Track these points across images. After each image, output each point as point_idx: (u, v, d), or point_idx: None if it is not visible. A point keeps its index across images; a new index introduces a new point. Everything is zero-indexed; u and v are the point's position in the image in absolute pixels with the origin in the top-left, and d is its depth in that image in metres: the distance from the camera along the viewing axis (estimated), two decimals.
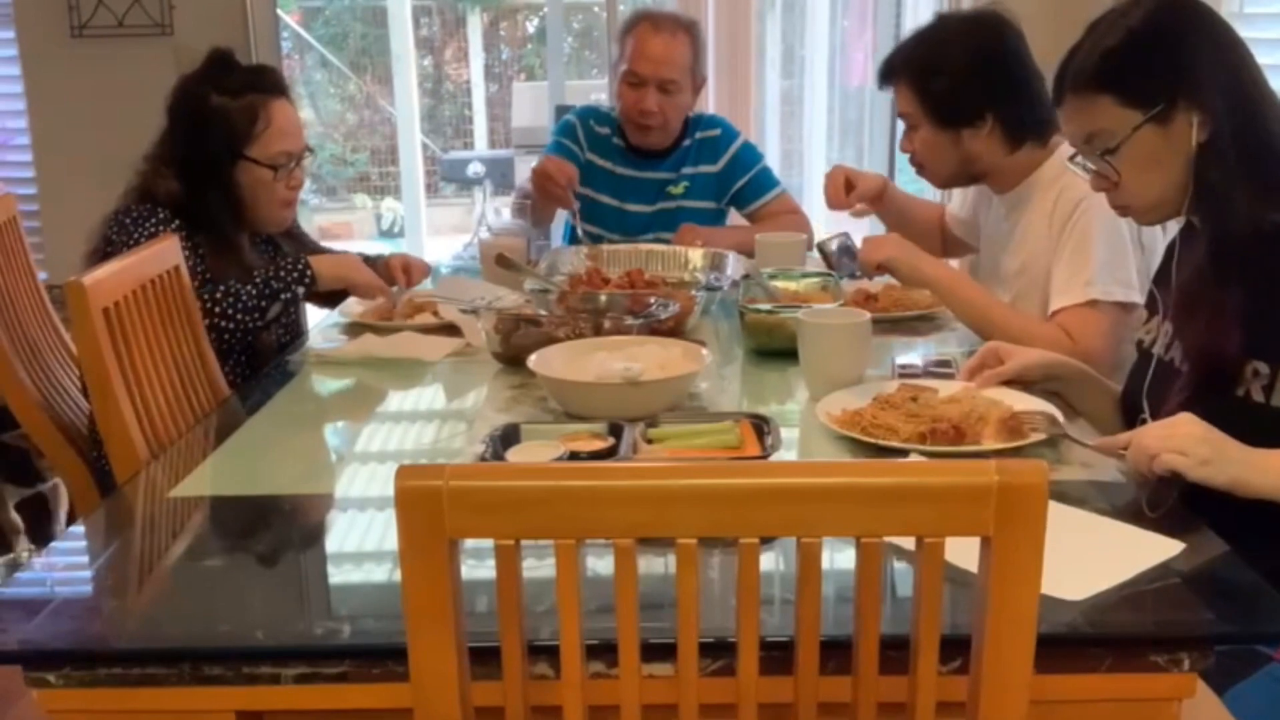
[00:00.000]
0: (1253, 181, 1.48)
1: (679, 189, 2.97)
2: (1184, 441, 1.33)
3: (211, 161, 2.17)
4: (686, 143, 2.98)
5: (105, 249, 2.10)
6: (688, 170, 2.97)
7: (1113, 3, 1.60)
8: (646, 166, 2.98)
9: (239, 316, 2.11)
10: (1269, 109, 1.53)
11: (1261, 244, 1.47)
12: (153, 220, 2.12)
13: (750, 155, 3.02)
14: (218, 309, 2.10)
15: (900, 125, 2.24)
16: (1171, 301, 1.62)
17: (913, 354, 2.03)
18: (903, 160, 4.78)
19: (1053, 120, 2.12)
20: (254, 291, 2.12)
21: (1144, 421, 1.59)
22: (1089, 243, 1.98)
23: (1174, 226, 1.72)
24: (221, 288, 2.11)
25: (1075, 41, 1.61)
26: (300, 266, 2.17)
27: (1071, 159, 1.66)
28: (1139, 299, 1.95)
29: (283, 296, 2.16)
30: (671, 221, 2.89)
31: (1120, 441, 1.42)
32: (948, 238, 2.54)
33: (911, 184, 4.69)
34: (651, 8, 3.06)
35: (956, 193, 2.54)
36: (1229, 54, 1.54)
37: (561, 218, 3.04)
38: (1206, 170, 1.50)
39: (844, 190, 2.46)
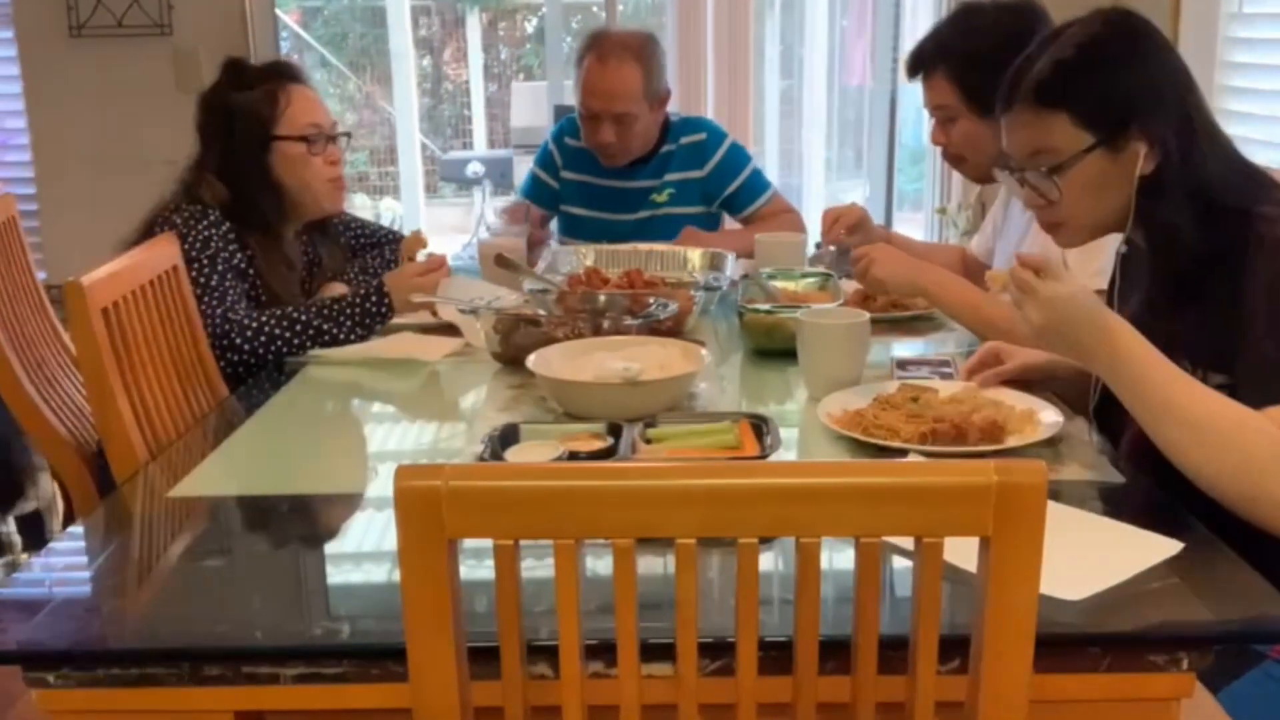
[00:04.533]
0: (1197, 212, 1.47)
1: (663, 196, 2.91)
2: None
3: (248, 155, 2.16)
4: (667, 148, 2.91)
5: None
6: (671, 176, 2.91)
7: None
8: (627, 176, 2.91)
9: (263, 354, 2.05)
10: (1213, 137, 1.51)
11: (1207, 265, 1.47)
12: (204, 222, 2.09)
13: (739, 158, 2.94)
14: (247, 346, 2.03)
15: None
16: None
17: (912, 354, 2.03)
18: (902, 160, 4.79)
19: None
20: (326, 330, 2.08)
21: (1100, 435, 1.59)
22: None
23: None
24: (268, 328, 2.04)
25: (1027, 51, 1.56)
26: (383, 309, 2.12)
27: (1001, 168, 1.62)
28: None
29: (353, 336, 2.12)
30: (657, 229, 2.83)
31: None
32: (971, 269, 2.52)
33: (911, 184, 4.71)
34: (604, 28, 2.99)
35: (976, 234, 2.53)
36: (1180, 82, 1.51)
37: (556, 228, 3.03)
38: (1151, 202, 1.48)
39: (831, 225, 2.38)
